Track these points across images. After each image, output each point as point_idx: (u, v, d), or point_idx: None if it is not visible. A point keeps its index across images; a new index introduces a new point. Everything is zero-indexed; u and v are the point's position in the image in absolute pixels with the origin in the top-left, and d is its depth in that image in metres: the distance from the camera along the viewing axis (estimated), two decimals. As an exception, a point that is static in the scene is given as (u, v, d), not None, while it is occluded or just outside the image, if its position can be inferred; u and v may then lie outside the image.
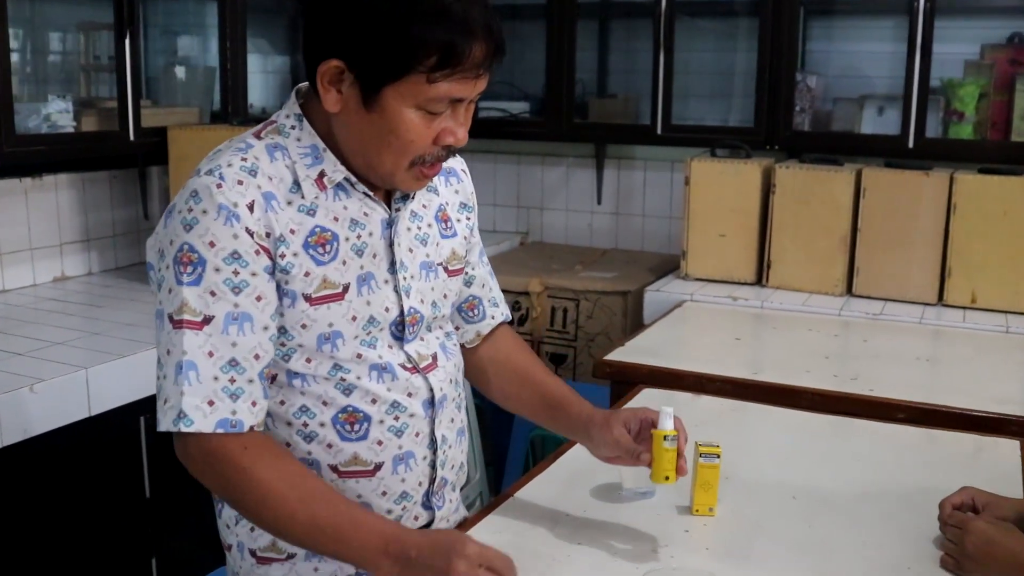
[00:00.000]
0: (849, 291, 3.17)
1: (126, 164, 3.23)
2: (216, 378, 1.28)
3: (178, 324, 1.28)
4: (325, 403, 1.39)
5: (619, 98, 3.99)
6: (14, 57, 2.66)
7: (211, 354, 1.29)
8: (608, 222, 4.07)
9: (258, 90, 3.55)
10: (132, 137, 2.96)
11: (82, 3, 3.18)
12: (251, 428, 1.31)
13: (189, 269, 1.29)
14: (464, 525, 1.59)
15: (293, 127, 1.39)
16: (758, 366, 2.50)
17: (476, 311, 1.68)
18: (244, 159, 1.33)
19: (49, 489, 2.22)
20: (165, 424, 1.28)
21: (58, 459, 2.22)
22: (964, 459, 1.95)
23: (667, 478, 1.47)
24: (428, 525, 1.52)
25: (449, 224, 1.55)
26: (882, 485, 1.80)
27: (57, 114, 2.83)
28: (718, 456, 1.63)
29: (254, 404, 1.32)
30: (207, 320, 1.29)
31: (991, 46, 3.31)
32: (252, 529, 1.43)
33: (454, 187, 1.59)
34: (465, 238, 1.58)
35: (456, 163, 1.61)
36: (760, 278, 3.27)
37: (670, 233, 3.92)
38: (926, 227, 3.05)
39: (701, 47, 3.74)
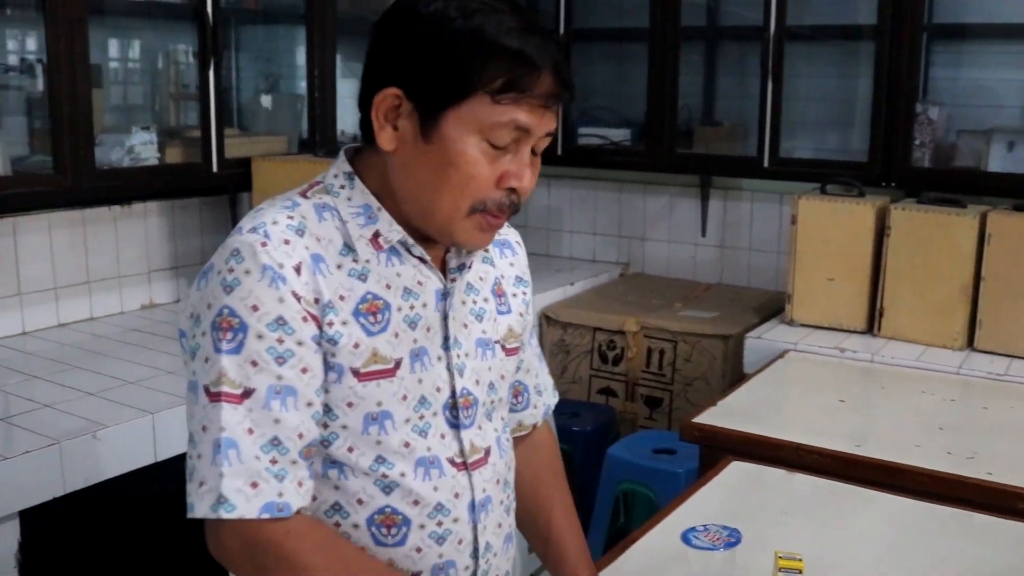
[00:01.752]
0: (970, 345, 2.90)
1: (216, 192, 3.20)
2: (257, 458, 1.15)
3: (215, 397, 1.16)
4: (361, 501, 1.25)
5: (725, 126, 3.78)
6: (101, 87, 2.64)
7: (251, 431, 1.16)
8: (712, 255, 3.87)
9: (350, 116, 3.46)
10: (215, 168, 2.91)
11: (171, 31, 3.15)
12: (297, 512, 1.18)
13: (229, 336, 1.16)
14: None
15: (343, 186, 1.28)
16: (862, 436, 2.28)
17: (520, 398, 1.54)
18: (291, 217, 1.23)
19: (111, 537, 2.17)
20: (201, 510, 1.15)
21: (123, 505, 2.17)
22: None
23: None
24: None
25: (504, 299, 1.42)
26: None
27: (141, 146, 2.80)
28: (800, 572, 1.45)
29: (300, 485, 1.19)
30: (247, 393, 1.16)
31: None
32: None
33: (509, 259, 1.46)
34: (521, 315, 1.44)
35: (511, 235, 1.49)
36: (871, 327, 3.03)
37: (777, 268, 3.69)
38: (1060, 278, 2.76)
39: (813, 73, 3.51)
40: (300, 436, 1.18)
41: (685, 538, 1.55)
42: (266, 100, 3.34)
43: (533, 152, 1.26)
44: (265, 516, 1.14)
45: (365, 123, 1.27)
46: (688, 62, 3.63)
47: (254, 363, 1.16)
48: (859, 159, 3.25)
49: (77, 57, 2.51)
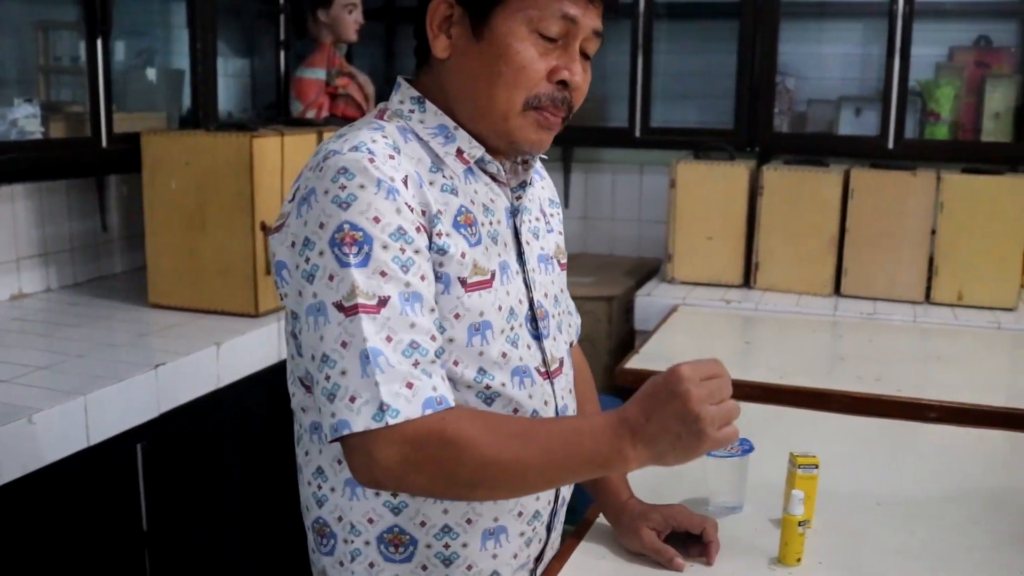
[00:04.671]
0: (837, 291, 3.18)
1: (88, 173, 3.03)
2: (400, 363, 1.15)
3: (352, 311, 1.14)
4: None
5: (588, 99, 3.93)
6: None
7: (389, 339, 1.15)
8: (576, 226, 4.02)
9: (221, 94, 3.38)
10: (104, 144, 2.78)
11: (39, 1, 2.98)
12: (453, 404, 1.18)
13: (355, 249, 1.15)
14: (562, 549, 1.51)
15: (411, 111, 1.31)
16: (780, 370, 2.47)
17: None
18: (385, 136, 1.24)
19: (44, 526, 2.04)
20: (361, 423, 1.11)
21: (56, 494, 2.05)
22: (1021, 457, 1.96)
23: (799, 560, 1.48)
24: (542, 551, 1.44)
25: (547, 218, 1.47)
26: (956, 488, 1.79)
27: (25, 119, 2.63)
28: (816, 467, 1.59)
29: (443, 379, 1.19)
30: (383, 302, 1.15)
31: (959, 48, 3.37)
32: (372, 565, 1.32)
33: (540, 183, 1.52)
34: (560, 233, 1.51)
35: (535, 160, 1.54)
36: (748, 280, 3.27)
37: (640, 236, 3.89)
38: (913, 226, 3.08)
39: (679, 49, 3.72)
40: (432, 338, 1.19)
41: (703, 449, 1.65)
42: (141, 76, 3.21)
43: (585, 55, 1.30)
44: (428, 412, 1.14)
45: (420, 44, 1.30)
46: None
47: (383, 273, 1.16)
48: (725, 127, 3.48)
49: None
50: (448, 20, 1.26)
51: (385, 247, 1.17)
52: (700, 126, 3.48)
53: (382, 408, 1.12)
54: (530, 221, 1.40)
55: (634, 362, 2.53)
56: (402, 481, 1.16)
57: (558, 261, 1.45)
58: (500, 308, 1.29)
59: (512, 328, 1.31)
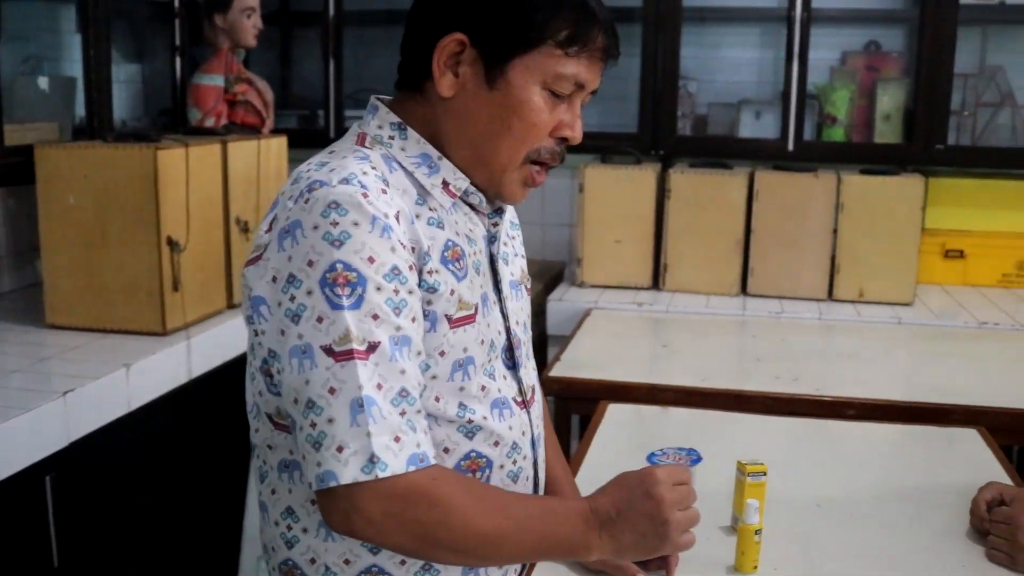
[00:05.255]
0: (744, 291, 3.25)
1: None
2: (391, 412, 1.12)
3: (344, 356, 1.10)
4: (447, 450, 1.25)
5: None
6: None
7: (380, 386, 1.11)
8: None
9: (114, 102, 3.24)
10: (-6, 157, 2.63)
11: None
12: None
13: (348, 291, 1.11)
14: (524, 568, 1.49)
15: (392, 137, 1.26)
16: (701, 372, 2.50)
17: None
18: (374, 167, 1.20)
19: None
20: (349, 475, 1.08)
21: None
22: (941, 451, 2.03)
23: (755, 567, 1.50)
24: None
25: (511, 243, 1.44)
26: (887, 486, 1.84)
27: (-95, 133, 2.47)
28: (765, 474, 1.61)
29: (425, 433, 1.16)
30: (372, 348, 1.12)
31: (851, 53, 3.49)
32: None
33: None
34: (523, 257, 1.48)
35: None
36: (656, 282, 3.30)
37: (544, 240, 3.89)
38: (815, 226, 3.17)
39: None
40: (418, 384, 1.16)
41: (652, 459, 1.66)
42: (30, 84, 3.04)
43: None
44: (412, 468, 1.11)
45: (412, 69, 1.26)
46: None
47: (375, 316, 1.12)
48: (630, 131, 3.51)
49: None
50: (457, 57, 1.21)
51: (379, 289, 1.13)
52: (604, 130, 3.50)
53: (372, 460, 1.09)
54: (502, 247, 1.37)
55: (558, 370, 2.52)
56: (381, 535, 1.13)
57: (524, 287, 1.43)
58: (482, 342, 1.27)
59: (490, 360, 1.29)
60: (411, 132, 1.26)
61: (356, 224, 1.13)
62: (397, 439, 1.11)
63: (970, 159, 3.36)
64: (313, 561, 1.25)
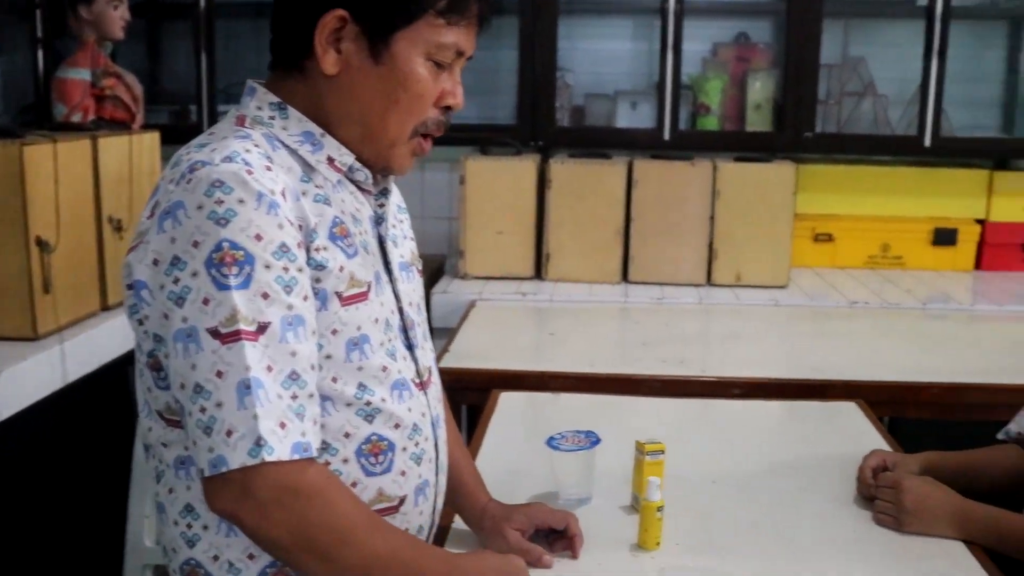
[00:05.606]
0: (625, 279, 3.30)
1: None
2: (280, 396, 1.09)
3: (232, 337, 1.08)
4: (348, 434, 1.22)
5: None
6: None
7: (270, 368, 1.09)
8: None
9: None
10: None
11: None
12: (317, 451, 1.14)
13: (235, 270, 1.09)
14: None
15: (272, 117, 1.24)
16: (589, 358, 2.53)
17: None
18: (256, 145, 1.18)
19: None
20: (237, 459, 1.06)
21: None
22: (823, 425, 2.10)
23: (658, 543, 1.53)
24: None
25: (401, 225, 1.43)
26: (779, 459, 1.90)
27: None
28: (663, 452, 1.64)
29: (314, 423, 1.13)
30: (262, 328, 1.09)
31: (722, 44, 3.58)
32: None
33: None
34: (412, 239, 1.47)
35: None
36: (539, 272, 3.33)
37: (424, 232, 3.86)
38: (693, 213, 3.24)
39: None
40: (312, 367, 1.14)
41: (551, 443, 1.67)
42: None
43: None
44: (296, 457, 1.09)
45: (289, 48, 1.24)
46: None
47: (265, 295, 1.10)
48: (509, 123, 3.53)
49: None
50: (338, 33, 1.21)
51: (268, 267, 1.11)
52: (483, 122, 3.50)
53: (259, 443, 1.07)
54: (390, 229, 1.36)
55: (447, 361, 2.51)
56: (265, 523, 1.10)
57: (416, 268, 1.42)
58: (376, 320, 1.26)
59: (389, 340, 1.28)
60: (292, 111, 1.25)
61: (242, 201, 1.11)
62: (283, 425, 1.09)
63: (836, 146, 3.50)
64: (216, 558, 1.21)
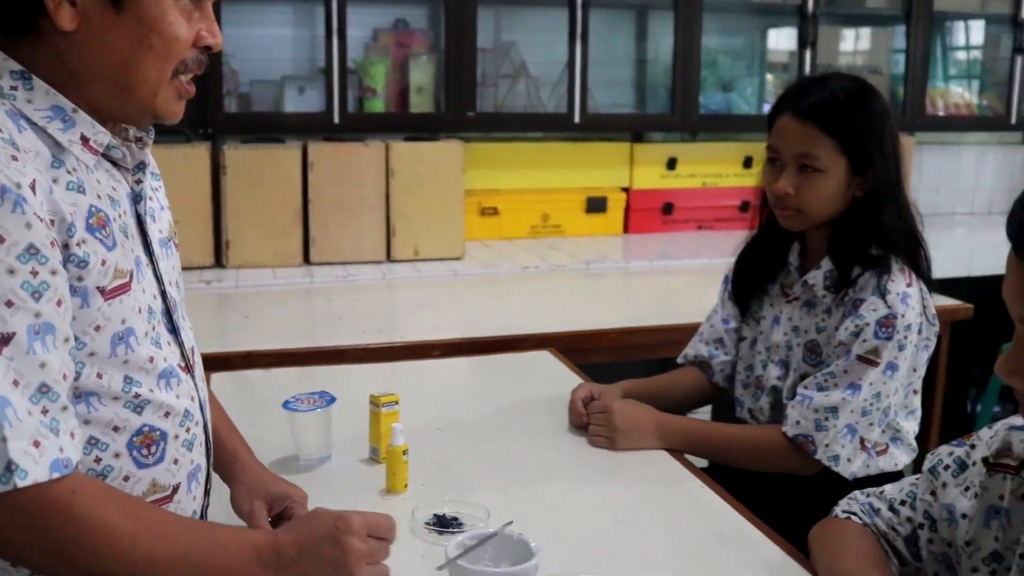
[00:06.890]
0: (307, 261, 3.33)
1: None
2: (30, 412, 1.02)
3: None
4: (117, 428, 1.17)
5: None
6: None
7: (16, 383, 1.01)
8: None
9: None
10: None
11: None
12: (77, 466, 1.06)
13: None
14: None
15: (15, 88, 1.13)
16: (289, 337, 2.56)
17: None
18: (0, 129, 1.07)
19: None
20: None
21: None
22: (525, 372, 2.29)
23: (406, 486, 1.61)
24: None
25: (156, 195, 1.36)
26: (494, 406, 2.05)
27: None
28: (398, 403, 1.73)
29: (72, 436, 1.06)
30: (6, 340, 1.01)
31: (382, 30, 3.69)
32: None
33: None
34: (168, 209, 1.39)
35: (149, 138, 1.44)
36: (219, 260, 3.27)
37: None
38: (369, 193, 3.33)
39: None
40: (64, 377, 1.07)
41: (288, 406, 1.69)
42: None
43: None
44: (55, 476, 1.02)
45: (14, 7, 1.13)
46: None
47: (9, 303, 1.02)
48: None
49: None
50: None
51: (12, 272, 1.03)
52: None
53: (9, 468, 1.00)
54: (148, 203, 1.29)
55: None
56: (15, 550, 1.05)
57: (174, 243, 1.37)
58: (140, 310, 1.20)
59: (153, 328, 1.23)
60: (37, 81, 1.14)
61: None
62: (37, 444, 1.02)
63: (496, 124, 3.72)
64: None
